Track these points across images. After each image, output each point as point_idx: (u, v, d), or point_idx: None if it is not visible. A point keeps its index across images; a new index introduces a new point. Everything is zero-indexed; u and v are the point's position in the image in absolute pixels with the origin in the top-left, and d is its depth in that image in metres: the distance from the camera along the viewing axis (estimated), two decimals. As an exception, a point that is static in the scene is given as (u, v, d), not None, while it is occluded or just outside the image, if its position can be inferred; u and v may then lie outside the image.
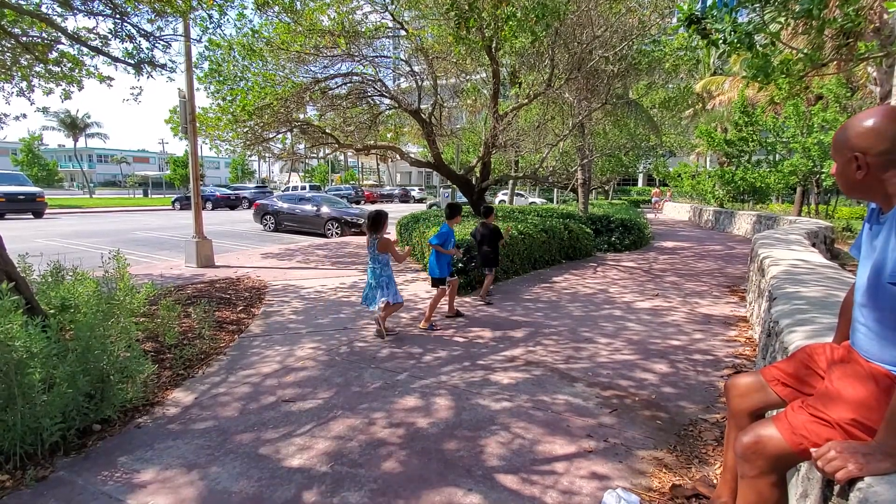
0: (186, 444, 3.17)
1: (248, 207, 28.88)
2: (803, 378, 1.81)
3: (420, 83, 11.88)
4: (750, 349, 5.06)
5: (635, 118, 15.76)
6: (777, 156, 19.15)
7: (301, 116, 11.57)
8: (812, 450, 1.45)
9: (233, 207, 31.96)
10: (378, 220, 5.33)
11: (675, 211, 29.56)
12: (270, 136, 11.47)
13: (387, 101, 12.08)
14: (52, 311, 4.18)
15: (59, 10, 5.98)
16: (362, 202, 39.52)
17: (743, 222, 18.13)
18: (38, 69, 6.89)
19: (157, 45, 6.49)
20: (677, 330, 5.78)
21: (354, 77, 11.30)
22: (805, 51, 5.03)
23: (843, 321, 1.85)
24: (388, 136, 14.95)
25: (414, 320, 6.05)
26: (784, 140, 17.74)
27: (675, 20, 4.83)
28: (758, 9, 4.61)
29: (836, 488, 1.40)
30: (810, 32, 4.62)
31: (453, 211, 6.18)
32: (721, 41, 4.34)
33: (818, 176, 16.71)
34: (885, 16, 8.53)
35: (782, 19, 4.60)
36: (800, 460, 1.60)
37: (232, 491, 2.69)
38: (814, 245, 8.19)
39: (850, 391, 1.52)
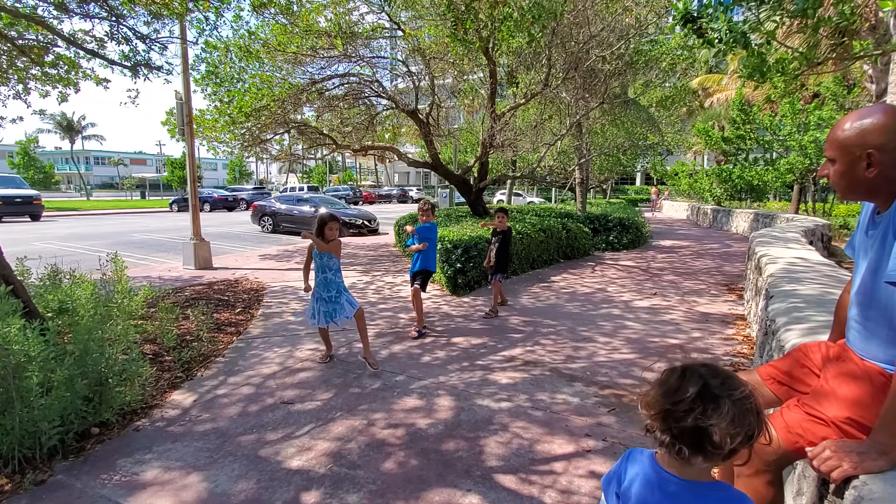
0: (186, 447, 3.18)
1: (246, 209, 28.86)
2: (798, 376, 1.82)
3: (417, 83, 11.89)
4: (748, 347, 5.08)
5: (633, 117, 15.80)
6: (774, 154, 19.19)
7: (298, 117, 11.59)
8: (807, 449, 1.46)
9: (230, 209, 31.91)
10: (317, 225, 4.68)
11: (672, 209, 29.61)
12: (268, 137, 11.49)
13: (384, 101, 12.10)
14: (49, 315, 4.17)
15: (54, 12, 5.97)
16: (360, 203, 39.51)
17: (740, 220, 18.16)
18: (34, 72, 6.89)
19: (153, 47, 6.49)
20: (675, 328, 5.79)
21: (351, 78, 11.31)
22: (800, 49, 5.04)
23: (839, 319, 1.86)
24: (386, 136, 14.97)
25: (412, 321, 6.05)
26: (781, 138, 17.78)
27: (671, 19, 4.84)
28: (753, 7, 4.62)
29: (832, 487, 1.41)
30: (805, 31, 4.63)
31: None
32: (717, 40, 4.35)
33: (815, 174, 16.74)
34: (880, 14, 8.55)
35: (777, 18, 4.61)
36: (795, 459, 1.60)
37: (231, 493, 2.70)
38: (811, 243, 8.21)
39: (845, 389, 1.53)
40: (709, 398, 1.09)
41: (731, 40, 4.24)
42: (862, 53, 4.85)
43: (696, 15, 4.34)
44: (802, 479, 1.92)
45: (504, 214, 6.72)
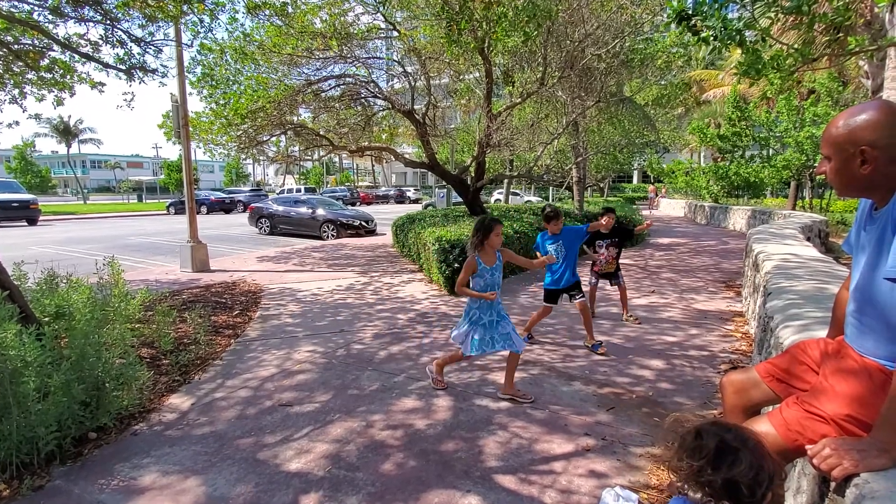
0: (184, 451, 3.16)
1: (243, 211, 28.75)
2: (797, 373, 1.81)
3: (413, 84, 11.88)
4: (746, 344, 5.08)
5: (629, 115, 15.81)
6: (770, 150, 19.21)
7: (295, 119, 11.56)
8: (807, 447, 1.45)
9: (228, 211, 31.85)
10: (477, 231, 3.78)
11: (670, 207, 29.65)
12: (264, 139, 11.46)
13: (380, 102, 12.08)
14: (46, 320, 4.15)
15: (49, 17, 5.94)
16: (358, 204, 39.46)
17: (738, 217, 18.18)
18: (30, 76, 6.86)
19: (148, 50, 6.47)
20: (673, 326, 5.79)
21: (347, 79, 11.29)
22: (795, 46, 5.05)
23: (837, 316, 1.85)
24: (383, 137, 14.95)
25: (411, 321, 6.05)
26: (777, 135, 17.80)
27: (665, 17, 4.84)
28: (747, 4, 4.63)
29: (832, 485, 1.40)
30: (800, 27, 4.63)
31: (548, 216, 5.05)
32: (711, 38, 4.36)
33: (811, 170, 16.78)
34: (876, 9, 8.56)
35: (772, 15, 4.62)
36: (795, 456, 1.60)
37: (230, 497, 2.68)
38: (808, 239, 8.22)
39: (844, 386, 1.52)
40: (728, 451, 1.20)
41: (725, 37, 4.24)
42: (857, 49, 4.86)
43: (690, 13, 4.34)
44: (802, 476, 1.92)
45: (613, 213, 5.66)
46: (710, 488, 1.19)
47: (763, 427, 1.59)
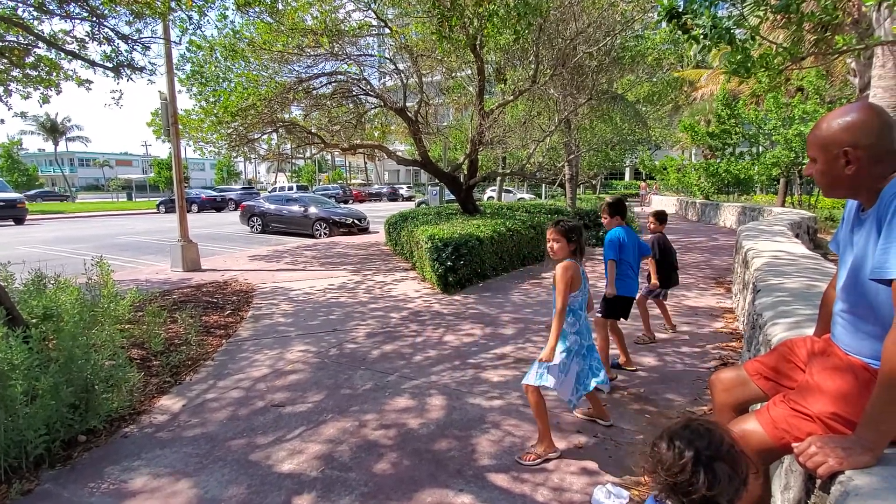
0: (175, 453, 3.14)
1: (235, 209, 28.62)
2: (784, 371, 1.83)
3: (405, 81, 11.85)
4: (736, 341, 5.12)
5: (621, 112, 15.85)
6: (759, 148, 19.36)
7: (286, 116, 11.49)
8: (793, 444, 1.47)
9: (219, 209, 31.66)
10: (575, 233, 3.26)
11: (661, 204, 29.79)
12: (255, 136, 11.39)
13: (372, 99, 12.04)
14: (33, 321, 4.11)
15: (34, 13, 5.86)
16: (350, 201, 39.36)
17: (728, 214, 18.31)
18: (15, 74, 6.76)
19: (135, 47, 6.39)
20: (664, 323, 5.81)
21: (339, 76, 11.24)
22: (784, 44, 5.08)
23: (824, 314, 1.88)
24: (375, 134, 14.90)
25: (404, 319, 6.05)
26: (766, 132, 17.93)
27: (656, 15, 4.86)
28: (737, 3, 4.65)
29: (818, 482, 1.42)
30: (789, 26, 4.66)
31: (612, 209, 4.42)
32: (701, 35, 4.38)
33: (800, 167, 16.93)
34: (863, 8, 8.63)
35: (761, 13, 4.64)
36: (782, 454, 1.62)
37: (222, 499, 2.67)
38: (797, 236, 8.30)
39: (830, 384, 1.54)
40: (704, 463, 1.18)
41: (715, 36, 4.26)
42: (845, 48, 4.90)
43: (680, 10, 4.36)
44: (790, 473, 1.94)
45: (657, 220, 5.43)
46: (687, 501, 1.21)
47: (751, 425, 1.60)
